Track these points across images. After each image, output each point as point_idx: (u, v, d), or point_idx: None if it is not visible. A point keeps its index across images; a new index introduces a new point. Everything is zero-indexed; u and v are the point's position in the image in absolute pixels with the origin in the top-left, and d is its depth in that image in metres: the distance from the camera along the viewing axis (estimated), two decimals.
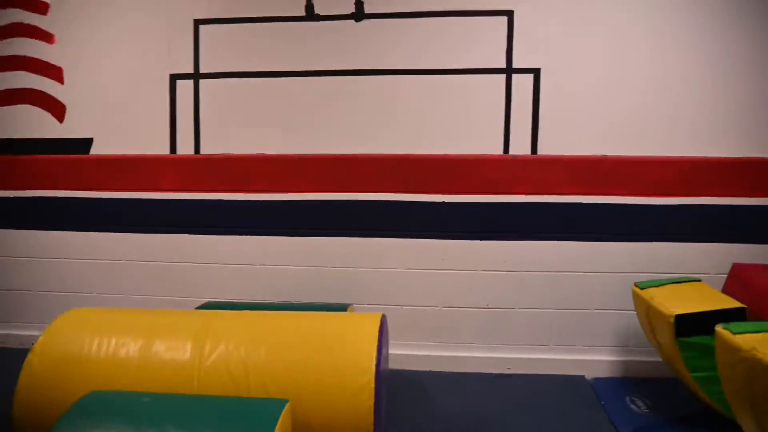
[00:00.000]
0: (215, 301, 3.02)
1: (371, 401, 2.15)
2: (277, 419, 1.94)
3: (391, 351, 3.30)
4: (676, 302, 2.63)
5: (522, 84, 3.08)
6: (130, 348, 2.31)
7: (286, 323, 2.45)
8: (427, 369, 3.33)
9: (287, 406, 2.07)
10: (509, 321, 3.29)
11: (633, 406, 2.95)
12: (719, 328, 2.11)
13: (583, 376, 3.27)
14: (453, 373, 3.31)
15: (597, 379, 3.24)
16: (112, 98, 3.31)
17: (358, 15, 3.07)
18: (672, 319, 2.55)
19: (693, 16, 3.01)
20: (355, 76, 3.13)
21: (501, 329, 3.31)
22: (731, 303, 2.57)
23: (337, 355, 2.23)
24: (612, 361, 3.27)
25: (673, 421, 2.79)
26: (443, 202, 3.20)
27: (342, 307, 2.82)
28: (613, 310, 3.21)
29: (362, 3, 3.05)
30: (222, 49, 3.19)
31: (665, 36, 3.04)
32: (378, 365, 2.19)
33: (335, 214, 3.26)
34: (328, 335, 2.33)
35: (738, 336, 2.00)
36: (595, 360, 3.27)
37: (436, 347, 3.34)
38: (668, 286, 2.85)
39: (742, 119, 3.05)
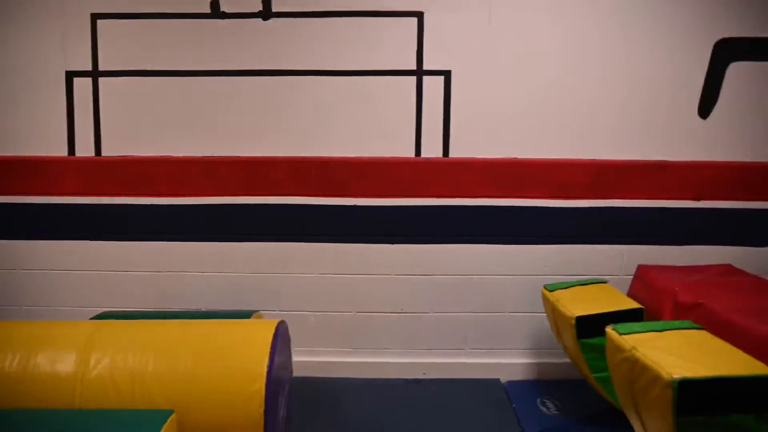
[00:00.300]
0: (112, 311, 2.89)
1: (262, 409, 2.09)
2: (158, 431, 1.88)
3: (304, 358, 3.24)
4: (579, 304, 2.68)
5: (433, 86, 3.08)
6: (8, 361, 2.19)
7: (178, 332, 2.35)
8: (341, 376, 3.28)
9: (172, 416, 1.99)
10: (424, 325, 3.28)
11: (543, 408, 2.99)
12: (609, 328, 2.16)
13: (498, 380, 3.29)
14: (368, 379, 3.27)
15: (511, 382, 3.27)
16: (3, 97, 3.14)
17: (266, 13, 3.01)
18: (573, 321, 2.59)
19: (602, 21, 3.08)
20: (263, 76, 3.06)
21: (416, 334, 3.29)
22: (630, 304, 2.64)
23: (228, 363, 2.16)
24: (526, 364, 3.30)
25: (579, 421, 2.84)
26: (355, 206, 3.16)
27: (247, 314, 2.75)
28: (526, 312, 3.25)
29: (270, 1, 2.99)
30: (123, 45, 3.06)
31: (575, 40, 3.10)
32: (270, 372, 2.14)
33: (245, 218, 3.18)
34: (221, 343, 2.25)
35: (623, 336, 2.05)
36: (510, 363, 3.30)
37: (350, 353, 3.30)
38: (575, 288, 2.90)
39: (646, 123, 3.14)
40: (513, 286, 3.24)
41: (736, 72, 3.12)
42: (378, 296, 3.26)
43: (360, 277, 3.24)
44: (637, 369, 1.91)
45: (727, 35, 3.09)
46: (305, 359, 3.25)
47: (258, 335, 2.27)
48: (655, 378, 1.79)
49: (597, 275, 3.15)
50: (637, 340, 2.00)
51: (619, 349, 2.05)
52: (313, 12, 3.03)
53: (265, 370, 2.12)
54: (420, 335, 3.30)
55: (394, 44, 3.07)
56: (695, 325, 2.15)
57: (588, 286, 2.91)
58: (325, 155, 3.15)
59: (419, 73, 3.08)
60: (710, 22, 3.09)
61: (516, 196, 3.15)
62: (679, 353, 1.88)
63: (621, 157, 3.15)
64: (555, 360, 3.22)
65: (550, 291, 2.90)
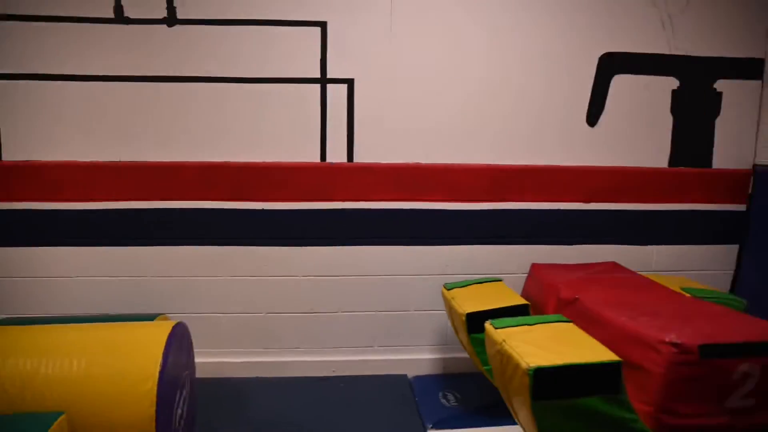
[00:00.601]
0: (11, 317, 2.89)
1: (153, 409, 2.16)
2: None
3: (214, 359, 3.33)
4: (471, 302, 2.85)
5: (337, 93, 3.21)
6: None
7: (75, 335, 2.39)
8: (253, 375, 3.37)
9: (61, 418, 2.05)
10: (333, 324, 3.41)
11: (443, 401, 3.17)
12: (487, 324, 2.33)
13: (405, 375, 3.46)
14: (279, 378, 3.37)
15: (417, 377, 3.44)
16: None
17: (171, 20, 3.06)
18: (464, 317, 2.77)
19: (496, 35, 3.28)
20: (169, 82, 3.11)
21: (325, 333, 3.42)
22: (516, 300, 2.82)
23: (121, 364, 2.22)
24: (431, 359, 3.48)
25: (475, 411, 3.03)
26: (263, 210, 3.25)
27: (151, 317, 2.81)
28: (432, 310, 3.42)
29: (174, 8, 3.05)
30: (22, 48, 3.05)
31: (471, 53, 3.28)
32: (163, 372, 2.21)
33: (154, 223, 3.21)
34: (114, 345, 2.31)
35: (497, 330, 2.23)
36: (416, 359, 3.47)
37: (261, 353, 3.39)
38: (471, 286, 3.09)
39: (539, 130, 3.36)
40: (417, 285, 3.41)
41: (619, 83, 3.40)
42: (288, 297, 3.36)
43: (270, 279, 3.33)
44: (505, 359, 2.09)
45: (611, 50, 3.36)
46: (218, 360, 3.34)
47: (153, 337, 2.34)
48: (516, 367, 1.97)
49: (496, 273, 3.35)
50: (508, 334, 2.19)
51: (493, 342, 2.22)
52: (218, 20, 3.10)
53: (157, 370, 2.20)
54: (329, 334, 3.43)
55: (298, 53, 3.17)
56: (564, 319, 2.35)
57: (483, 284, 3.10)
58: (233, 160, 3.22)
59: (323, 81, 3.20)
60: (596, 37, 3.34)
61: (418, 199, 3.32)
62: (541, 345, 2.07)
63: (516, 162, 3.37)
64: (457, 355, 3.40)
65: (448, 290, 3.08)
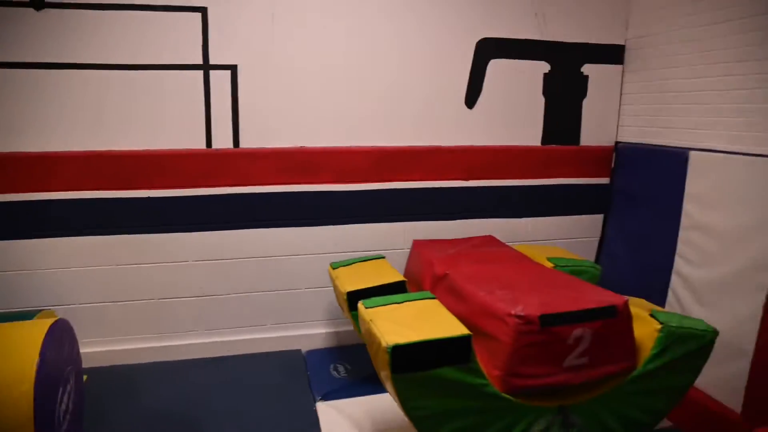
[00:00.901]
0: None
1: (31, 411, 2.20)
2: None
3: (106, 348, 3.36)
4: (352, 280, 3.03)
5: (220, 80, 3.24)
6: None
7: None
8: (147, 361, 3.43)
9: None
10: (227, 306, 3.51)
11: (334, 372, 3.37)
12: (359, 303, 2.52)
13: (299, 350, 3.63)
14: (174, 361, 3.45)
15: (310, 352, 3.62)
16: None
17: (38, 3, 2.96)
18: (345, 296, 2.96)
19: (378, 21, 3.40)
20: (40, 69, 3.02)
21: (219, 315, 3.51)
22: (394, 278, 3.01)
23: None
24: (324, 333, 3.67)
25: (362, 381, 3.22)
26: (149, 197, 3.27)
27: (33, 314, 2.80)
28: (322, 287, 3.57)
29: None
30: None
31: (354, 38, 3.39)
32: (40, 373, 2.25)
33: (35, 214, 3.16)
34: None
35: (367, 310, 2.42)
36: (310, 334, 3.64)
37: (154, 339, 3.44)
38: (354, 265, 3.27)
39: (420, 113, 3.55)
40: (307, 264, 3.55)
41: (495, 67, 3.62)
42: (179, 282, 3.42)
43: (159, 265, 3.36)
44: (372, 337, 2.28)
45: (487, 35, 3.56)
46: (110, 348, 3.37)
47: (29, 336, 2.34)
48: (379, 344, 2.17)
49: (382, 250, 3.54)
50: (375, 313, 2.38)
51: (363, 320, 2.42)
52: (91, 4, 3.02)
53: (34, 370, 2.22)
54: (223, 316, 3.53)
55: (179, 39, 3.15)
56: (430, 296, 2.57)
57: (366, 262, 3.28)
58: (116, 149, 3.20)
59: (206, 67, 3.21)
60: (473, 24, 3.53)
61: (304, 182, 3.44)
62: (403, 322, 2.28)
63: (399, 143, 3.55)
64: (349, 328, 3.61)
65: (334, 268, 3.25)
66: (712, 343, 2.53)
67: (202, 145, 3.29)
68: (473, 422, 2.30)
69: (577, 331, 2.30)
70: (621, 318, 2.39)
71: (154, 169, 3.25)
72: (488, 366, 2.34)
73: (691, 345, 2.47)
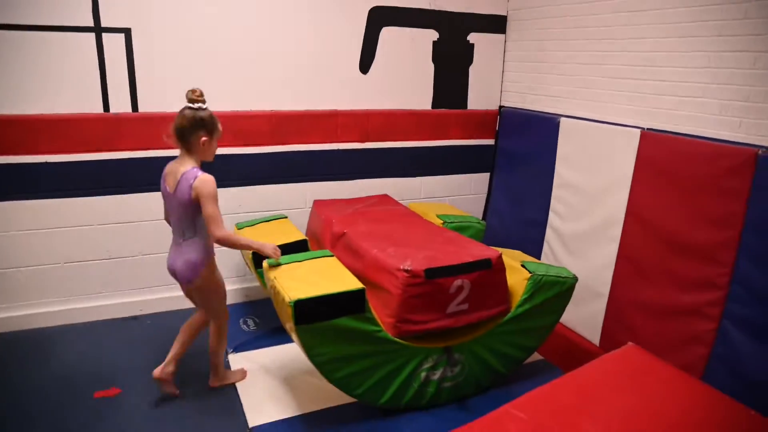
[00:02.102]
0: None
1: None
2: None
3: (16, 313, 3.43)
4: (257, 239, 3.29)
5: (114, 43, 3.28)
6: None
7: None
8: (59, 324, 3.54)
9: None
10: (135, 267, 3.66)
11: (244, 326, 3.64)
12: (264, 263, 2.79)
13: None
14: (85, 323, 3.59)
15: None
16: None
17: None
18: (250, 256, 3.22)
19: None
20: None
21: (128, 276, 3.66)
22: (296, 236, 3.28)
23: None
24: (234, 289, 3.90)
25: (270, 332, 3.53)
26: (47, 163, 3.31)
27: None
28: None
29: None
30: None
31: (253, 4, 3.53)
32: None
33: None
34: None
35: (271, 269, 2.71)
36: None
37: (64, 302, 3.54)
38: (258, 225, 3.51)
39: (317, 78, 3.79)
40: None
41: (388, 35, 3.89)
42: (85, 246, 3.52)
43: (65, 229, 3.44)
44: (277, 293, 2.57)
45: (378, 4, 3.81)
46: (20, 314, 3.45)
47: None
48: (283, 300, 2.47)
49: (285, 210, 3.82)
50: (279, 272, 2.66)
51: (268, 278, 2.70)
52: None
53: None
54: (133, 277, 3.67)
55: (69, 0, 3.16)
56: (328, 254, 2.89)
57: (270, 222, 3.54)
58: (7, 113, 3.18)
59: (98, 30, 3.23)
60: None
61: None
62: (304, 279, 2.58)
63: (297, 108, 3.77)
64: (255, 284, 3.88)
65: (239, 228, 3.48)
66: (572, 287, 3.05)
67: (100, 110, 3.34)
68: (370, 363, 2.67)
69: (457, 282, 2.71)
70: (495, 269, 2.82)
71: (50, 134, 3.28)
72: (382, 315, 2.71)
73: (556, 290, 2.97)
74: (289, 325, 2.54)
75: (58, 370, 3.10)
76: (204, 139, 2.61)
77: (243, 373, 3.10)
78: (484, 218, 4.49)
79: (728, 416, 2.04)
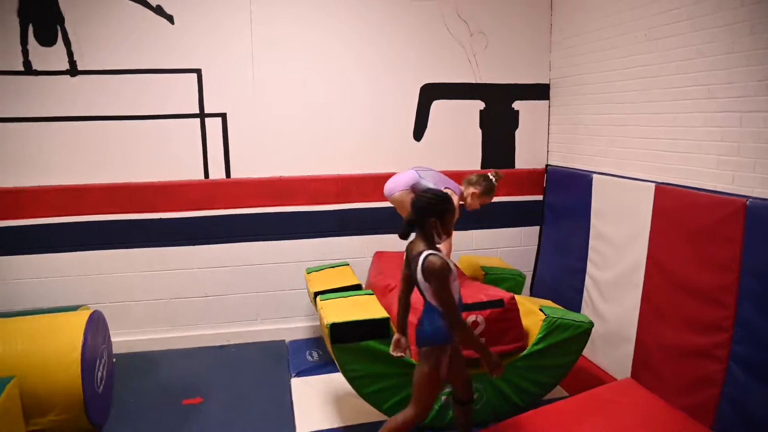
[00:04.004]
0: None
1: (79, 371, 3.25)
2: (2, 390, 2.99)
3: (130, 338, 4.42)
4: (321, 282, 3.98)
5: (214, 125, 4.33)
6: None
7: (16, 324, 3.45)
8: (164, 348, 4.50)
9: (14, 380, 3.12)
10: (225, 304, 4.57)
11: (309, 357, 4.37)
12: (318, 298, 3.51)
13: (283, 340, 4.67)
14: (184, 348, 4.53)
15: (292, 342, 4.65)
16: None
17: (73, 71, 4.08)
18: (313, 296, 3.96)
19: (340, 69, 4.46)
20: (75, 121, 4.14)
21: (220, 311, 4.58)
22: (352, 281, 3.97)
23: (54, 341, 3.29)
24: (304, 327, 4.69)
25: (330, 362, 4.17)
26: (162, 219, 4.36)
27: (74, 308, 3.87)
28: (303, 289, 4.59)
29: (75, 62, 4.06)
30: None
31: (321, 87, 4.46)
32: (84, 345, 3.29)
33: (69, 232, 4.26)
34: (49, 328, 3.35)
35: (322, 302, 3.42)
36: (293, 327, 4.69)
37: (169, 330, 4.52)
38: (324, 270, 4.26)
39: (376, 146, 4.59)
40: (291, 269, 4.60)
41: (438, 107, 4.63)
42: (188, 285, 4.50)
43: (172, 272, 4.45)
44: (321, 319, 3.28)
45: (429, 81, 4.59)
46: (134, 338, 4.44)
47: (76, 321, 3.40)
48: (324, 323, 3.17)
49: (350, 258, 4.58)
50: (326, 303, 3.38)
51: (318, 308, 3.43)
52: (113, 70, 4.13)
53: (80, 343, 3.28)
54: (223, 312, 4.59)
55: (181, 94, 4.26)
56: (369, 292, 3.57)
57: (334, 268, 4.27)
58: (135, 181, 4.29)
59: (202, 115, 4.30)
60: (418, 71, 4.57)
61: (284, 204, 4.51)
62: (342, 309, 3.26)
63: (359, 172, 4.59)
64: None
65: (308, 273, 4.26)
66: (587, 332, 3.46)
67: (201, 177, 4.38)
68: (396, 382, 3.25)
69: (471, 317, 3.26)
70: (508, 308, 3.33)
71: (164, 196, 4.34)
72: (411, 344, 3.30)
73: (570, 332, 3.40)
74: (328, 344, 3.22)
75: (160, 383, 4.01)
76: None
77: None
78: (535, 268, 4.96)
79: None
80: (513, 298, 3.38)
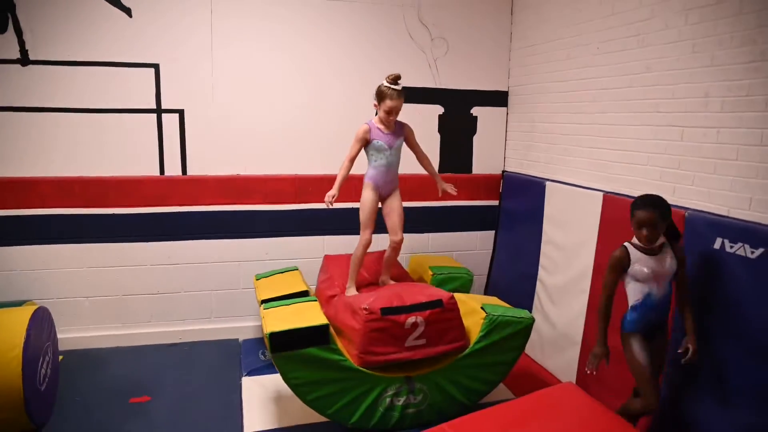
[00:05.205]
0: None
1: (19, 369, 3.21)
2: None
3: (79, 335, 4.38)
4: (268, 290, 3.93)
5: (171, 121, 4.30)
6: None
7: None
8: (113, 345, 4.47)
9: None
10: (178, 302, 4.56)
11: (261, 356, 4.36)
12: (261, 306, 3.50)
13: (237, 339, 4.67)
14: (135, 346, 4.51)
15: (245, 341, 4.66)
16: None
17: (24, 60, 4.02)
18: (260, 303, 3.92)
19: (298, 71, 4.47)
20: (24, 112, 4.07)
21: (172, 309, 4.56)
22: (299, 288, 3.92)
23: None
24: (259, 326, 4.69)
25: None
26: (114, 214, 4.33)
27: (19, 304, 3.81)
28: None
29: (27, 51, 4.00)
30: None
31: (280, 87, 4.46)
32: (26, 343, 3.25)
33: (16, 226, 4.18)
34: None
35: (265, 310, 3.40)
36: (245, 326, 4.70)
37: (120, 327, 4.49)
38: (273, 276, 4.21)
39: (330, 146, 4.58)
40: (244, 269, 4.61)
41: None
42: (140, 282, 4.47)
43: (125, 268, 4.42)
44: (263, 327, 3.27)
45: None
46: (83, 335, 4.40)
47: (19, 317, 3.36)
48: (264, 332, 3.17)
49: (305, 258, 4.61)
50: (268, 311, 3.37)
51: (262, 317, 3.42)
52: (67, 61, 4.08)
53: (22, 341, 3.24)
54: (175, 310, 4.58)
55: (138, 88, 4.23)
56: (312, 299, 3.58)
57: (284, 273, 4.22)
58: (87, 175, 4.24)
59: (159, 111, 4.27)
60: (380, 75, 4.50)
61: (240, 203, 4.50)
62: (283, 317, 3.24)
63: (315, 172, 4.60)
64: None
65: (257, 279, 4.22)
66: (528, 327, 3.52)
67: (156, 173, 4.35)
68: (338, 388, 3.27)
69: (411, 319, 3.29)
70: (447, 308, 3.35)
71: (117, 191, 4.30)
72: (350, 347, 3.33)
73: (511, 329, 3.46)
74: (269, 353, 3.22)
75: (107, 381, 3.99)
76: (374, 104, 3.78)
77: None
78: (489, 272, 5.03)
79: None
80: (452, 297, 3.40)
